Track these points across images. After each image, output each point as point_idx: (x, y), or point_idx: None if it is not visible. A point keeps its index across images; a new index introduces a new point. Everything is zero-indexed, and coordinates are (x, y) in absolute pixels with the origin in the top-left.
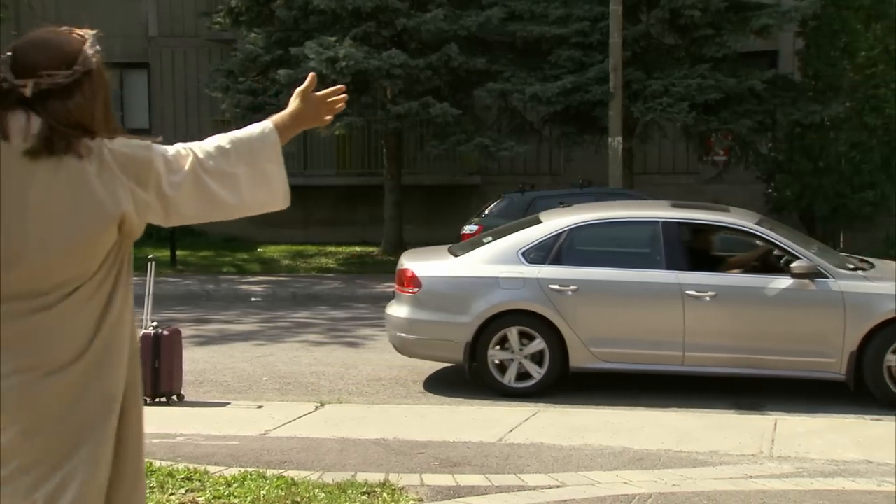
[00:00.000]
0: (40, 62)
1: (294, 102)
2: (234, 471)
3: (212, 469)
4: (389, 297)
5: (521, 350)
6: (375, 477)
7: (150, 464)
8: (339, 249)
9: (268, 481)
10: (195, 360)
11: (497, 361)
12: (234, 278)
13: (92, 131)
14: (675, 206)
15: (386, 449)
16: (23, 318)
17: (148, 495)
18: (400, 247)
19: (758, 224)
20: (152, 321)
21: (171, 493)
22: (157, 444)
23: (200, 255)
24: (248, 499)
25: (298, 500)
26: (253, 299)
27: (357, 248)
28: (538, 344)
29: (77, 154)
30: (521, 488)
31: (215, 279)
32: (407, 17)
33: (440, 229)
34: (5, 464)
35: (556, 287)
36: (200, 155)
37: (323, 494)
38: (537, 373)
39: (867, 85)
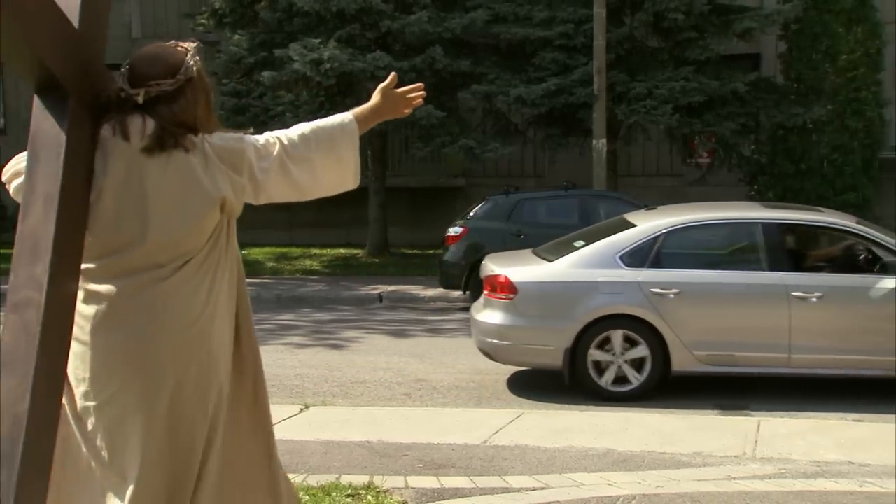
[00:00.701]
0: (150, 73)
1: (375, 97)
2: None
3: None
4: (374, 299)
5: (622, 354)
6: (360, 479)
7: None
8: (324, 251)
9: None
10: None
11: (596, 366)
12: None
13: (195, 129)
14: (767, 206)
15: (370, 451)
16: (141, 288)
17: None
18: (384, 249)
19: (858, 224)
20: None
21: None
22: None
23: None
24: None
25: None
26: None
27: (342, 250)
28: (641, 349)
29: (184, 148)
30: (505, 490)
31: None
32: (391, 19)
33: (425, 231)
34: (115, 405)
35: (657, 290)
36: (286, 142)
37: (307, 497)
38: (636, 378)
39: (848, 88)
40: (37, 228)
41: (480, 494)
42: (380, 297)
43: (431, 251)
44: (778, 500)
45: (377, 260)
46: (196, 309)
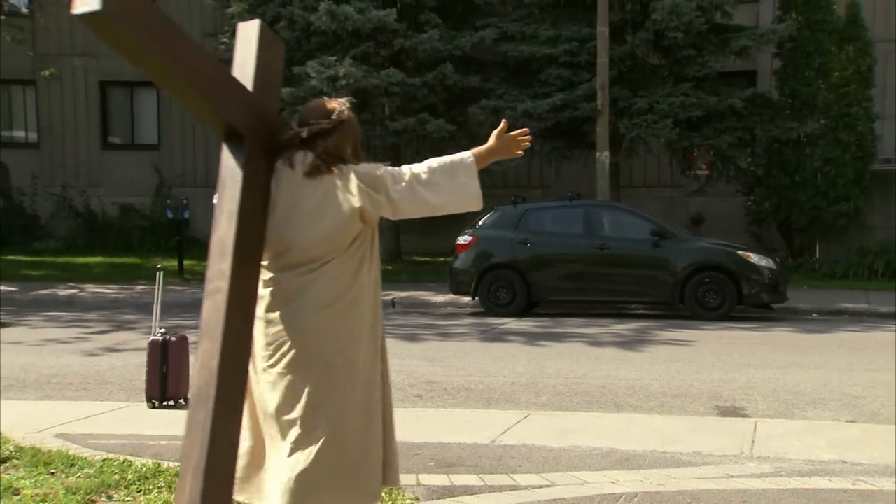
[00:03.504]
0: (312, 116)
1: (491, 140)
2: None
3: None
4: (387, 305)
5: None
6: None
7: (159, 465)
8: None
9: None
10: None
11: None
12: None
13: (344, 159)
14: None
15: None
16: (300, 277)
17: (156, 495)
18: (398, 256)
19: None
20: (160, 328)
21: None
22: (165, 446)
23: (206, 265)
24: None
25: None
26: None
27: None
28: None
29: (332, 174)
30: (513, 488)
31: None
32: (404, 37)
33: (436, 240)
34: (276, 369)
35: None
36: (416, 171)
37: None
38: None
39: (840, 103)
40: (223, 236)
41: (489, 492)
42: (392, 303)
43: (442, 259)
44: (774, 497)
45: (390, 267)
46: (337, 294)
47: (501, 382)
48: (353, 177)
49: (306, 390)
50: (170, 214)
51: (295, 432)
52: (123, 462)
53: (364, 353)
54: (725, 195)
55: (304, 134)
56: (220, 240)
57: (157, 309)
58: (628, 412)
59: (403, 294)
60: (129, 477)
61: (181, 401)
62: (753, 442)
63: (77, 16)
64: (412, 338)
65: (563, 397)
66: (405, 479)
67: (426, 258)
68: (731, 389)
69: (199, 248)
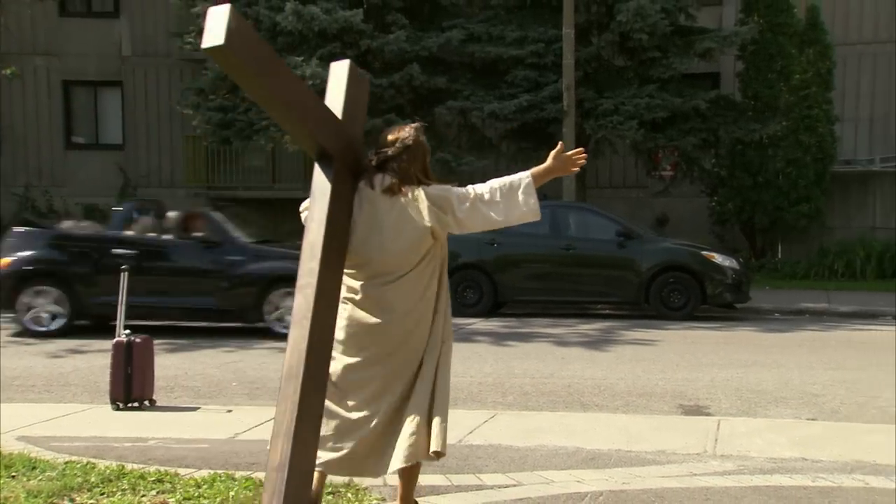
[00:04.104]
0: (382, 144)
1: (549, 160)
2: (204, 473)
3: (182, 471)
4: None
5: None
6: (340, 478)
7: (123, 467)
8: None
9: (236, 482)
10: (167, 367)
11: None
12: None
13: (414, 181)
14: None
15: None
16: (378, 287)
17: (120, 497)
18: None
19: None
20: (125, 329)
21: (143, 495)
22: (130, 448)
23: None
24: (217, 499)
25: None
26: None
27: None
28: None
29: (404, 194)
30: (479, 487)
31: None
32: (371, 38)
33: None
34: (364, 369)
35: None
36: (479, 192)
37: None
38: None
39: (801, 105)
40: (314, 240)
41: (456, 491)
42: None
43: None
44: (737, 494)
45: None
46: (411, 303)
47: (468, 382)
48: (423, 197)
49: (377, 378)
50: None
51: (364, 410)
52: (87, 464)
53: (427, 355)
54: (690, 196)
55: (374, 161)
56: (311, 243)
57: (121, 310)
58: (594, 411)
59: None
60: (93, 479)
61: (146, 402)
62: (717, 440)
63: (204, 49)
64: None
65: (529, 397)
66: (371, 480)
67: None
68: (695, 388)
69: None
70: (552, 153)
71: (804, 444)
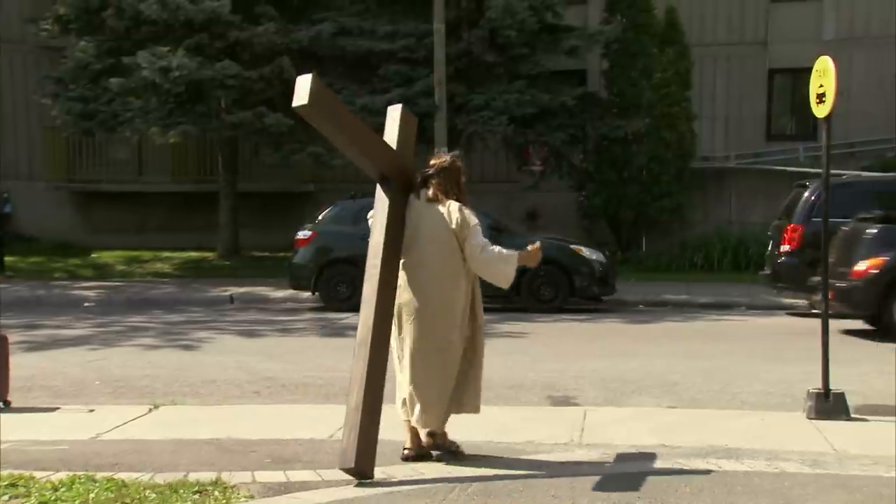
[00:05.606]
0: (428, 167)
1: (523, 255)
2: (62, 475)
3: (38, 474)
4: (225, 301)
5: None
6: (207, 476)
7: None
8: (175, 255)
9: (97, 484)
10: (24, 366)
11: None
12: (66, 284)
13: (449, 196)
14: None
15: (219, 448)
16: (420, 275)
17: None
18: (235, 252)
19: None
20: None
21: None
22: None
23: (31, 261)
24: (77, 502)
25: (128, 501)
26: (86, 304)
27: (193, 254)
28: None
29: (441, 203)
30: (350, 482)
31: (46, 285)
32: (239, 29)
33: (276, 235)
34: (403, 334)
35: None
36: (483, 244)
37: (154, 495)
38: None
39: (662, 103)
40: (376, 241)
41: (326, 487)
42: (231, 299)
43: (282, 254)
44: (600, 483)
45: (228, 263)
46: (446, 288)
47: (341, 377)
48: (455, 209)
49: (420, 347)
50: None
51: (411, 366)
52: None
53: (454, 335)
54: (559, 190)
55: (418, 179)
56: (376, 243)
57: None
58: None
59: (242, 289)
60: None
61: (1, 404)
62: (583, 430)
63: (294, 107)
64: (251, 333)
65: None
66: (241, 476)
67: (266, 253)
68: (563, 379)
69: (22, 242)
70: (525, 254)
71: (664, 431)
